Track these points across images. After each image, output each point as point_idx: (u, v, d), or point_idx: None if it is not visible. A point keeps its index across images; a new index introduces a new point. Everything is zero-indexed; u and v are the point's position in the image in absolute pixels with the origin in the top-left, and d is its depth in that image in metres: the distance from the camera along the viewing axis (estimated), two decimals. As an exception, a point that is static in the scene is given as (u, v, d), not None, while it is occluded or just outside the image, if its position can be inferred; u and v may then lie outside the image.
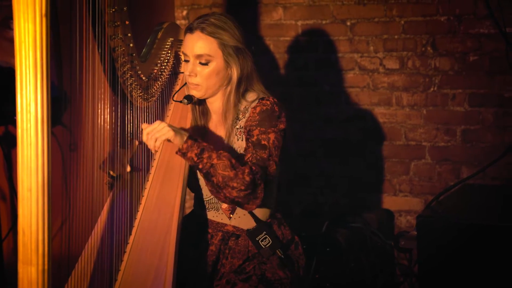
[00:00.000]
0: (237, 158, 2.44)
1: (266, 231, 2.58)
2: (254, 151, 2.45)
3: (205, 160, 2.37)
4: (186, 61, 2.57)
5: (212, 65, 2.53)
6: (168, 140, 2.38)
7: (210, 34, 2.50)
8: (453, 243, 3.25)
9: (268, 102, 2.51)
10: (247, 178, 2.35)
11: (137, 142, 2.61)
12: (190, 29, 2.55)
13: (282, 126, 2.51)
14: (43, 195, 1.76)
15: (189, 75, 2.55)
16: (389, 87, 4.30)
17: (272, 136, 2.47)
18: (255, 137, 2.47)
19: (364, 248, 3.90)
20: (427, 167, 4.26)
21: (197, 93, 2.59)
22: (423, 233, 3.32)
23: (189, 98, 2.59)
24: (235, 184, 2.35)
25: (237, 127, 2.57)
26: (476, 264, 3.20)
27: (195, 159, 2.38)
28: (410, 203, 4.32)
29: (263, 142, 2.46)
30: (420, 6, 4.14)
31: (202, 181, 2.61)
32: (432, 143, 4.23)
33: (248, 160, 2.44)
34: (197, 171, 2.55)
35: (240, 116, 2.57)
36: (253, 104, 2.53)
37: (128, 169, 2.57)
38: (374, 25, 4.28)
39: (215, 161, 2.36)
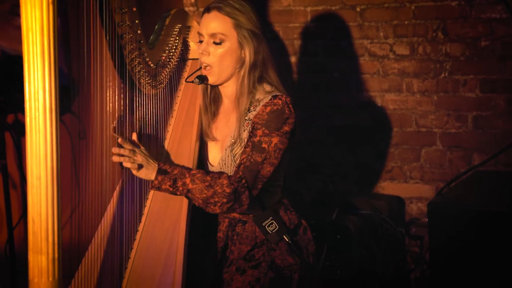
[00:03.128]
0: (214, 173, 2.46)
1: (272, 217, 2.57)
2: (250, 153, 2.45)
3: (180, 188, 2.39)
4: (201, 41, 2.55)
5: (225, 45, 2.51)
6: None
7: (227, 13, 2.49)
8: (465, 230, 3.25)
9: (280, 102, 2.48)
10: (227, 190, 2.37)
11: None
12: (207, 9, 2.54)
13: (287, 128, 2.48)
14: (52, 183, 1.75)
15: (202, 53, 2.53)
16: (400, 73, 4.27)
17: (274, 139, 2.46)
18: (257, 138, 2.46)
19: (374, 236, 3.89)
20: (438, 153, 4.24)
21: (211, 78, 2.56)
22: (434, 220, 3.31)
23: (201, 78, 2.55)
24: (216, 199, 2.38)
25: (246, 118, 2.54)
26: (488, 251, 3.19)
27: (171, 189, 2.40)
28: (421, 190, 4.30)
29: (263, 145, 2.45)
30: (431, -9, 4.12)
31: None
32: (443, 129, 4.21)
33: (242, 161, 2.45)
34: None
35: (251, 108, 2.54)
36: (265, 101, 2.51)
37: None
38: (384, 11, 4.25)
39: (190, 186, 2.38)
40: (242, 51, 2.53)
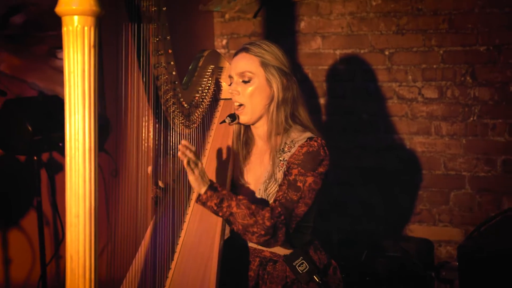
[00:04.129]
0: (259, 202, 2.50)
1: (303, 257, 2.59)
2: (286, 191, 2.48)
3: (224, 209, 2.41)
4: (232, 81, 2.64)
5: (254, 83, 2.57)
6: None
7: (253, 53, 2.58)
8: (496, 274, 3.22)
9: (316, 144, 2.52)
10: (267, 223, 2.39)
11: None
12: (236, 53, 2.65)
13: (322, 169, 2.52)
14: (90, 221, 1.78)
15: (232, 93, 2.61)
16: (428, 116, 4.29)
17: (309, 179, 2.49)
18: (293, 176, 2.49)
19: (404, 279, 3.86)
20: (467, 197, 4.23)
21: (244, 117, 2.62)
22: (465, 264, 3.29)
23: (232, 117, 2.62)
24: (255, 230, 2.40)
25: (280, 158, 2.58)
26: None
27: (215, 208, 2.42)
28: (450, 233, 4.28)
29: (298, 184, 2.48)
30: (459, 36, 4.15)
31: None
32: (472, 173, 4.21)
33: (277, 198, 2.48)
34: None
35: (286, 148, 2.58)
36: (301, 142, 2.54)
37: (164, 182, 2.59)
38: (413, 55, 4.29)
39: (234, 209, 2.41)
40: (271, 89, 2.59)
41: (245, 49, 2.61)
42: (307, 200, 2.49)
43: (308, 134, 2.57)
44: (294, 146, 2.55)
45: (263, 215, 2.40)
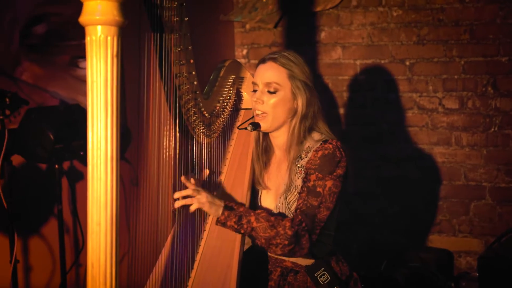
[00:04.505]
0: (280, 211, 2.51)
1: (325, 267, 2.59)
2: (306, 197, 2.48)
3: (245, 226, 2.43)
4: (255, 90, 2.62)
5: (279, 95, 2.57)
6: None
7: (282, 64, 2.57)
8: (516, 285, 3.20)
9: (331, 146, 2.52)
10: (289, 232, 2.40)
11: (207, 171, 2.65)
12: (262, 60, 2.62)
13: (340, 171, 2.51)
14: (112, 229, 1.79)
15: (256, 102, 2.59)
16: (449, 127, 4.28)
17: (329, 183, 2.49)
18: (312, 182, 2.49)
19: (423, 289, 3.85)
20: (488, 208, 4.21)
21: (264, 124, 2.61)
22: (485, 275, 3.28)
23: (254, 125, 2.61)
24: (278, 241, 2.41)
25: (298, 165, 2.58)
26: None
27: (235, 226, 2.44)
28: (470, 244, 4.26)
29: (318, 189, 2.48)
30: (481, 46, 4.13)
31: None
32: (493, 183, 4.18)
33: (298, 206, 2.48)
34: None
35: (303, 155, 2.58)
36: (316, 146, 2.55)
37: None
38: (434, 65, 4.28)
39: (254, 224, 2.42)
40: (295, 102, 2.59)
41: (273, 59, 2.59)
42: (328, 204, 2.49)
43: (323, 138, 2.57)
44: (310, 151, 2.56)
45: (284, 225, 2.40)
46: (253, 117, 2.66)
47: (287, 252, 2.43)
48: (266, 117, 2.59)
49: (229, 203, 2.45)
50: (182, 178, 2.42)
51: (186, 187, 2.50)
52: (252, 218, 2.42)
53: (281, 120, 2.61)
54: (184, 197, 2.44)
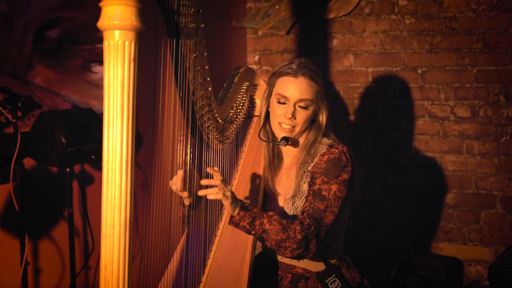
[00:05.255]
0: (288, 216, 2.52)
1: (335, 274, 2.59)
2: (312, 201, 2.49)
3: (257, 227, 2.42)
4: (282, 103, 2.59)
5: (310, 110, 2.59)
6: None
7: (313, 79, 2.57)
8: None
9: (337, 151, 2.53)
10: (299, 236, 2.39)
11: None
12: (290, 74, 2.58)
13: (346, 176, 2.52)
14: (125, 232, 1.80)
15: (290, 118, 2.57)
16: (460, 135, 4.27)
17: (334, 187, 2.49)
18: (317, 186, 2.50)
19: (433, 297, 3.84)
20: (498, 216, 4.19)
21: (287, 135, 2.62)
22: (496, 284, 3.27)
23: (286, 139, 2.60)
24: (287, 244, 2.40)
25: (304, 170, 2.59)
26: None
27: (248, 227, 2.42)
28: (480, 252, 4.24)
29: (323, 193, 2.48)
30: (493, 55, 4.12)
31: None
32: (504, 192, 4.17)
33: (304, 209, 2.48)
34: None
35: (309, 160, 2.60)
36: (322, 151, 2.56)
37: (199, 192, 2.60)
38: (446, 73, 4.27)
39: (266, 226, 2.41)
40: (320, 114, 2.62)
41: (304, 74, 2.57)
42: (333, 208, 2.49)
43: (329, 143, 2.58)
44: (317, 156, 2.57)
45: (294, 228, 2.40)
46: (265, 122, 2.67)
47: (296, 256, 2.44)
48: (294, 130, 2.61)
49: (245, 203, 2.45)
50: (208, 169, 2.39)
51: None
52: (265, 220, 2.42)
53: (304, 131, 2.65)
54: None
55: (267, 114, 2.70)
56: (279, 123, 2.61)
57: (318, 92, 2.58)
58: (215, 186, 2.35)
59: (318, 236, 2.46)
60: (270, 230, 2.40)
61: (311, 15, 4.60)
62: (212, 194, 2.36)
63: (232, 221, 2.43)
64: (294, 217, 2.55)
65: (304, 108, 2.57)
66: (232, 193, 2.40)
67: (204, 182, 2.38)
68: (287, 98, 2.58)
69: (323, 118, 2.61)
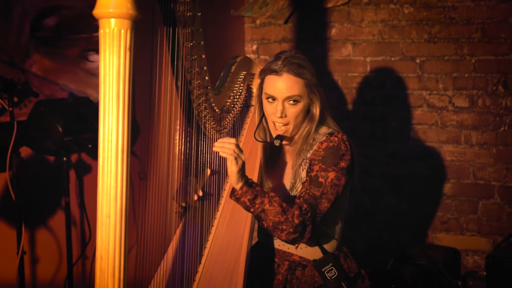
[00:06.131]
0: (290, 199, 2.50)
1: (333, 263, 2.59)
2: (308, 187, 2.49)
3: (257, 205, 2.42)
4: (271, 101, 2.58)
5: (300, 105, 2.56)
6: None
7: (297, 74, 2.53)
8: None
9: (336, 139, 2.52)
10: (296, 221, 2.39)
11: (209, 171, 2.64)
12: (275, 71, 2.55)
13: (344, 164, 2.51)
14: (121, 222, 1.79)
15: (280, 117, 2.56)
16: (458, 125, 4.26)
17: (331, 174, 2.48)
18: (314, 172, 2.49)
19: (430, 287, 3.84)
20: (496, 207, 4.19)
21: (285, 133, 2.61)
22: (493, 274, 3.27)
23: (280, 138, 2.59)
24: (284, 227, 2.40)
25: (304, 157, 2.59)
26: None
27: (248, 203, 2.42)
28: (478, 243, 4.25)
29: (320, 180, 2.48)
30: (492, 45, 4.11)
31: None
32: (502, 182, 4.17)
33: (301, 195, 2.48)
34: None
35: (308, 147, 2.59)
36: (321, 138, 2.55)
37: (196, 197, 2.60)
38: (444, 63, 4.26)
39: (266, 206, 2.41)
40: (313, 106, 2.59)
41: (288, 70, 2.53)
42: (329, 196, 2.49)
43: (329, 131, 2.57)
44: (316, 143, 2.56)
45: (293, 212, 2.40)
46: (261, 120, 2.66)
47: (290, 240, 2.44)
48: (287, 127, 2.59)
49: (250, 179, 2.45)
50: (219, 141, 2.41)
51: (193, 182, 2.52)
52: (266, 200, 2.41)
53: (299, 125, 2.62)
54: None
55: (262, 110, 2.67)
56: (273, 123, 2.60)
57: (307, 85, 2.55)
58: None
59: (314, 223, 2.46)
60: (270, 211, 2.40)
61: (309, 4, 4.59)
62: (224, 151, 2.38)
63: (233, 194, 2.43)
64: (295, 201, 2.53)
65: (294, 104, 2.55)
66: (243, 163, 2.41)
67: (217, 144, 2.39)
68: (275, 97, 2.56)
69: (316, 109, 2.59)
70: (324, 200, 2.48)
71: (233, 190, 2.43)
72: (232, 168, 2.39)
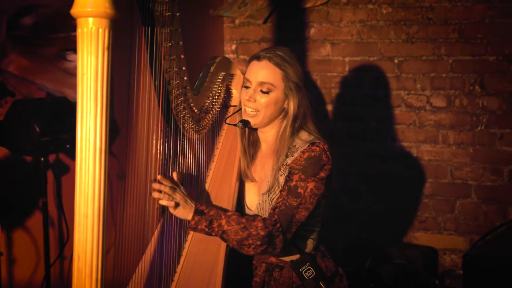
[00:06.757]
0: (248, 215, 2.49)
1: (310, 263, 2.59)
2: (286, 197, 2.48)
3: (216, 229, 2.42)
4: (247, 87, 2.59)
5: (272, 95, 2.55)
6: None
7: (277, 65, 2.54)
8: (500, 283, 3.21)
9: (318, 149, 2.51)
10: (262, 233, 2.40)
11: (175, 174, 2.59)
12: (257, 58, 2.58)
13: (323, 174, 2.50)
14: (99, 221, 1.79)
15: (248, 100, 2.57)
16: (436, 125, 4.29)
17: (310, 185, 2.48)
18: (294, 183, 2.48)
19: (407, 286, 3.86)
20: (473, 206, 4.23)
21: (254, 121, 2.60)
22: (469, 273, 3.29)
23: (244, 123, 2.60)
24: (250, 242, 2.41)
25: (283, 163, 2.57)
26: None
27: (206, 230, 2.43)
28: (455, 241, 4.28)
29: (299, 190, 2.47)
30: (469, 45, 4.15)
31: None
32: (479, 182, 4.20)
33: (277, 205, 2.47)
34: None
35: (289, 153, 2.57)
36: (303, 147, 2.54)
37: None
38: (422, 63, 4.29)
39: (225, 227, 2.41)
40: (286, 102, 2.58)
41: (269, 58, 2.55)
42: (308, 205, 2.48)
43: (311, 139, 2.56)
44: (297, 151, 2.55)
45: (256, 226, 2.41)
46: (239, 109, 2.66)
47: (260, 252, 2.45)
48: (256, 115, 2.59)
49: (200, 206, 2.44)
50: (159, 177, 2.41)
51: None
52: (223, 221, 2.41)
53: (271, 118, 2.61)
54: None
55: None
56: (245, 108, 2.61)
57: (284, 79, 2.55)
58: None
59: (287, 232, 2.46)
60: (229, 231, 2.40)
61: (288, 4, 4.59)
62: (162, 199, 2.40)
63: (189, 225, 2.43)
64: (257, 216, 2.52)
65: (265, 92, 2.54)
66: (184, 198, 2.41)
67: (156, 186, 2.40)
68: (249, 81, 2.58)
69: (289, 106, 2.57)
70: (301, 209, 2.47)
71: (189, 222, 2.44)
72: (173, 212, 2.43)
